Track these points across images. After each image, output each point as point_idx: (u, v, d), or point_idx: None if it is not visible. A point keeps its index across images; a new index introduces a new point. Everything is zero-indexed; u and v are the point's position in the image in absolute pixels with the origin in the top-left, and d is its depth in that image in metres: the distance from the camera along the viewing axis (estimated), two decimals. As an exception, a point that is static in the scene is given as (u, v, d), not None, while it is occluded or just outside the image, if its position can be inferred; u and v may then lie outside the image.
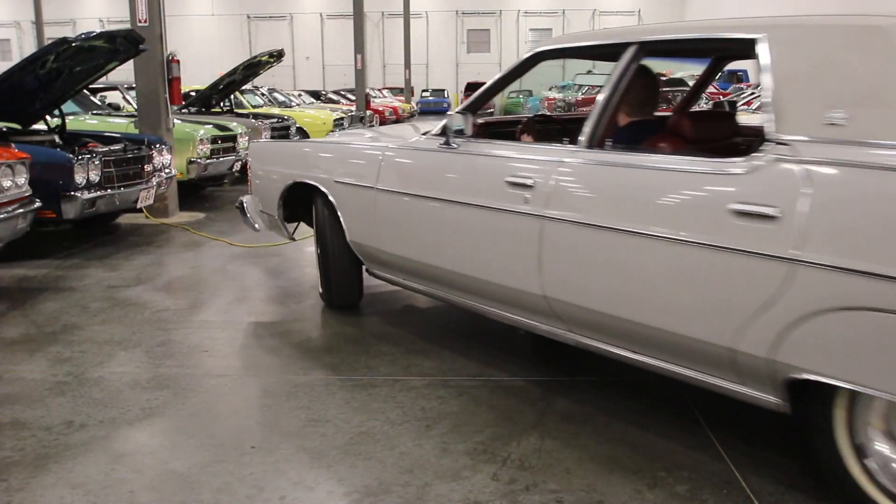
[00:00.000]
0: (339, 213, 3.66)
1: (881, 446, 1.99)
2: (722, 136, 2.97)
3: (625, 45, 2.64)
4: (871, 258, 1.81)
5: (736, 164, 2.15)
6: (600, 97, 2.68)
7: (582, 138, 2.64)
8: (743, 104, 12.17)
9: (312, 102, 19.61)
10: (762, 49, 2.18)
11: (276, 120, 10.60)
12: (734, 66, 26.09)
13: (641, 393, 2.92)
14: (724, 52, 2.34)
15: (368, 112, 17.25)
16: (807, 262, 1.93)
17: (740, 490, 2.22)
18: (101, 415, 2.77)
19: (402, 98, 28.71)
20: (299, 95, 19.85)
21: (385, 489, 2.24)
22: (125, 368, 3.23)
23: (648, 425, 2.64)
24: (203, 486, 2.26)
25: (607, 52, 2.85)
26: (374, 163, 3.42)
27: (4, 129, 5.89)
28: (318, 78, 37.29)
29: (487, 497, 2.20)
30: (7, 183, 4.30)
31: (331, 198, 3.68)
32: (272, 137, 10.04)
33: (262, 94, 14.74)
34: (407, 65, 29.07)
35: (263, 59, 9.88)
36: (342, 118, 13.74)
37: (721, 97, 15.42)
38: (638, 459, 2.40)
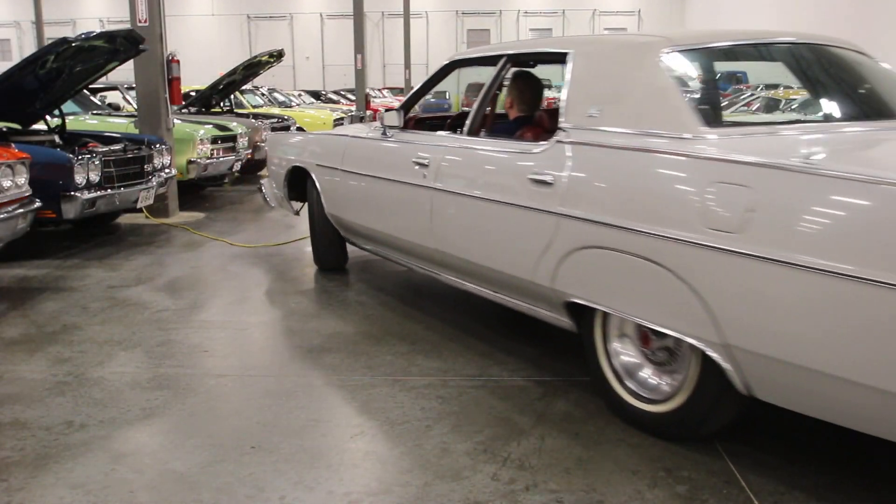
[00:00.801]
0: (319, 191, 4.53)
1: (617, 347, 2.68)
2: None
3: (500, 57, 3.40)
4: (603, 212, 2.48)
5: (537, 146, 2.88)
6: (480, 96, 3.46)
7: (464, 129, 3.40)
8: (743, 105, 12.16)
9: (312, 102, 19.63)
10: (568, 60, 2.90)
11: (275, 120, 10.61)
12: (734, 68, 26.12)
13: (641, 393, 2.92)
14: (560, 61, 2.95)
15: (368, 112, 17.25)
16: (566, 214, 2.62)
17: (740, 490, 2.22)
18: (101, 415, 2.77)
19: (403, 98, 28.64)
20: (299, 95, 19.88)
21: (385, 489, 2.24)
22: (125, 368, 3.23)
23: (648, 425, 2.64)
24: (203, 486, 2.26)
25: (493, 61, 3.49)
26: (340, 149, 4.29)
27: (4, 129, 5.89)
28: (318, 78, 37.28)
29: (487, 497, 2.20)
30: (7, 183, 4.30)
31: (315, 178, 4.56)
32: (272, 137, 10.04)
33: (262, 94, 14.74)
34: (407, 65, 29.07)
35: (263, 59, 9.88)
36: (342, 118, 13.74)
37: (721, 98, 15.39)
38: (638, 459, 2.40)
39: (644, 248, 2.33)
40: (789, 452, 2.45)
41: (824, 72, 3.06)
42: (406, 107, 3.93)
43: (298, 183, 4.87)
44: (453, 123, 4.51)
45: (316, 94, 23.71)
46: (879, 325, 1.78)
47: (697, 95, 2.79)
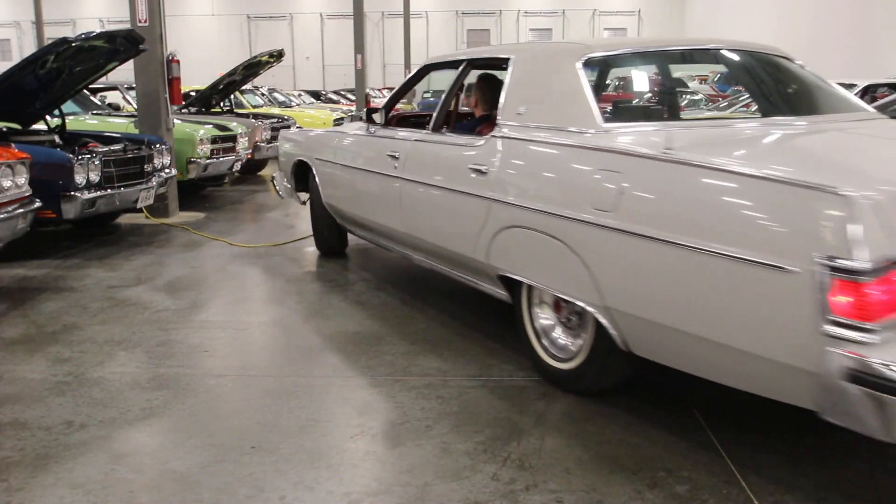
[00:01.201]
0: (318, 182, 4.98)
1: (538, 312, 3.08)
2: None
3: (462, 61, 3.83)
4: (521, 197, 2.90)
5: (479, 140, 3.29)
6: (443, 97, 3.93)
7: (430, 126, 3.81)
8: (742, 106, 12.15)
9: (312, 102, 19.62)
10: (509, 65, 3.32)
11: (275, 120, 10.60)
12: (647, 71, 26.04)
13: (641, 393, 2.92)
14: (505, 66, 3.37)
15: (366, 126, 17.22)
16: (495, 199, 3.04)
17: (740, 490, 2.22)
18: (101, 415, 2.77)
19: (404, 98, 28.63)
20: (299, 95, 19.87)
21: (385, 489, 2.24)
22: (125, 368, 3.23)
23: (648, 425, 2.64)
24: (203, 486, 2.26)
25: (457, 65, 3.89)
26: (333, 145, 4.78)
27: (4, 129, 5.89)
28: (318, 78, 37.24)
29: (487, 497, 2.20)
30: (7, 183, 4.30)
31: (314, 171, 5.02)
32: (272, 138, 10.05)
33: (262, 94, 14.74)
34: (407, 65, 29.04)
35: (263, 59, 9.88)
36: (342, 118, 13.73)
37: (721, 98, 15.42)
38: (638, 459, 2.40)
39: (549, 227, 2.74)
40: (789, 452, 2.45)
41: (739, 74, 3.67)
42: (388, 106, 4.37)
43: (303, 176, 5.31)
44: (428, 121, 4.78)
45: (316, 94, 23.69)
46: (718, 289, 2.10)
47: (606, 95, 3.49)
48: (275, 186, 5.78)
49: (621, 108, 3.46)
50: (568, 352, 2.93)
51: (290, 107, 14.84)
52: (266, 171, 11.01)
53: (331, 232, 5.16)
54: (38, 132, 6.10)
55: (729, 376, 2.24)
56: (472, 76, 4.05)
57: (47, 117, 6.25)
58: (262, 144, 9.73)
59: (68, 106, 6.69)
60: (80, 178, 5.22)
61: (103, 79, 7.13)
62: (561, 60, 3.12)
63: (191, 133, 7.47)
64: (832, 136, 2.82)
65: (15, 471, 2.36)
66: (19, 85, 5.44)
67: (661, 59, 3.77)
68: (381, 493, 2.22)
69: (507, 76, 3.31)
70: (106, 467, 2.38)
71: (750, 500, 2.17)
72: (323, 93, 25.77)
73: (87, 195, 5.24)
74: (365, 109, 4.61)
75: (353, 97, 22.89)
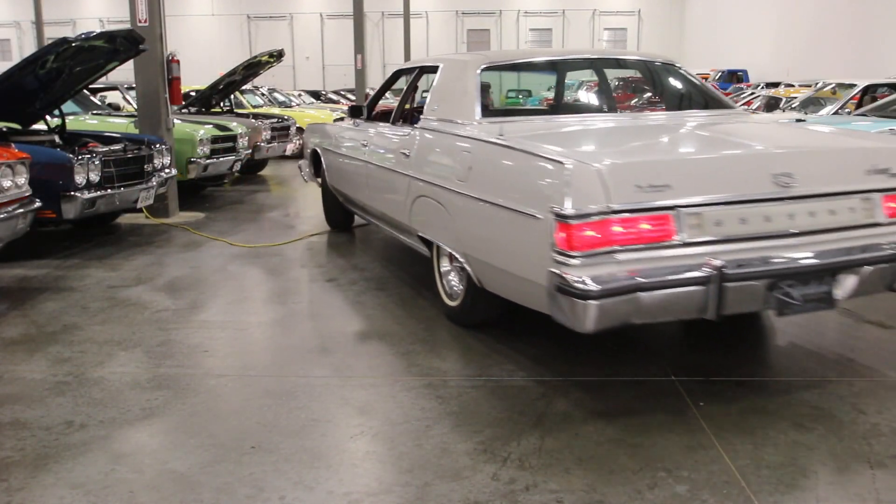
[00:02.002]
0: (324, 167, 5.99)
1: (444, 263, 3.86)
2: None
3: (416, 68, 4.70)
4: (422, 173, 3.79)
5: (408, 130, 4.16)
6: (401, 95, 4.84)
7: (391, 120, 4.68)
8: (743, 104, 12.16)
9: (312, 102, 19.61)
10: (437, 72, 4.17)
11: (276, 120, 10.60)
12: (735, 67, 26.11)
13: (641, 393, 2.92)
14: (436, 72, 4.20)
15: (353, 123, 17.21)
16: (412, 176, 3.91)
17: (740, 490, 2.22)
18: (101, 415, 2.77)
19: (399, 98, 28.55)
20: (299, 95, 19.85)
21: (385, 489, 2.24)
22: (125, 368, 3.23)
23: (648, 425, 2.64)
24: (203, 486, 2.26)
25: (413, 71, 4.78)
26: (334, 135, 5.71)
27: (4, 129, 5.89)
28: (318, 78, 37.23)
29: (487, 497, 2.20)
30: (7, 183, 4.29)
31: (322, 158, 6.01)
32: (272, 138, 10.06)
33: (262, 94, 14.73)
34: (407, 65, 29.02)
35: (263, 59, 9.87)
36: (342, 118, 13.71)
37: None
38: (638, 459, 2.40)
39: (437, 195, 3.59)
40: (789, 452, 2.45)
41: (597, 77, 4.64)
42: (370, 104, 5.26)
43: (318, 162, 6.19)
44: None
45: (316, 94, 23.67)
46: (507, 232, 2.95)
47: (491, 95, 4.43)
48: (301, 171, 6.74)
49: (495, 107, 4.53)
50: (456, 293, 3.72)
51: (290, 107, 14.83)
52: (266, 171, 11.01)
53: (338, 211, 6.11)
54: (38, 132, 6.09)
55: (520, 297, 3.03)
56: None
57: (47, 117, 6.25)
58: (262, 144, 9.72)
59: (68, 106, 6.69)
60: (80, 178, 5.21)
61: (103, 79, 7.13)
62: (466, 68, 3.93)
63: (191, 133, 7.47)
64: (636, 126, 3.77)
65: (15, 471, 2.36)
66: (19, 85, 5.43)
67: (547, 67, 4.97)
68: (381, 493, 2.22)
69: (434, 80, 4.19)
70: (106, 467, 2.38)
71: (750, 500, 2.17)
72: (323, 93, 25.76)
73: (87, 195, 5.23)
74: (348, 107, 5.52)
75: (353, 97, 22.88)
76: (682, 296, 2.57)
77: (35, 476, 2.33)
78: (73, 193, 5.16)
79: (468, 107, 3.71)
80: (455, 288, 3.73)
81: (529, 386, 3.00)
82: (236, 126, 8.57)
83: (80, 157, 5.23)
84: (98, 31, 5.35)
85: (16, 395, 2.94)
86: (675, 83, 4.46)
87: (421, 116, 4.07)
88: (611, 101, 4.76)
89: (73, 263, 5.17)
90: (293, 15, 38.15)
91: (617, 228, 2.56)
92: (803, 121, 7.57)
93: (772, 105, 10.94)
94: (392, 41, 36.47)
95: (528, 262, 2.78)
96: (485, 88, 4.01)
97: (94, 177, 5.38)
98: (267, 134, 9.88)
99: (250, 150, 8.93)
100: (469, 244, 3.30)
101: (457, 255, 3.45)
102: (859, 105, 8.87)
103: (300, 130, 12.07)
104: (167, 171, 6.45)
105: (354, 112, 5.30)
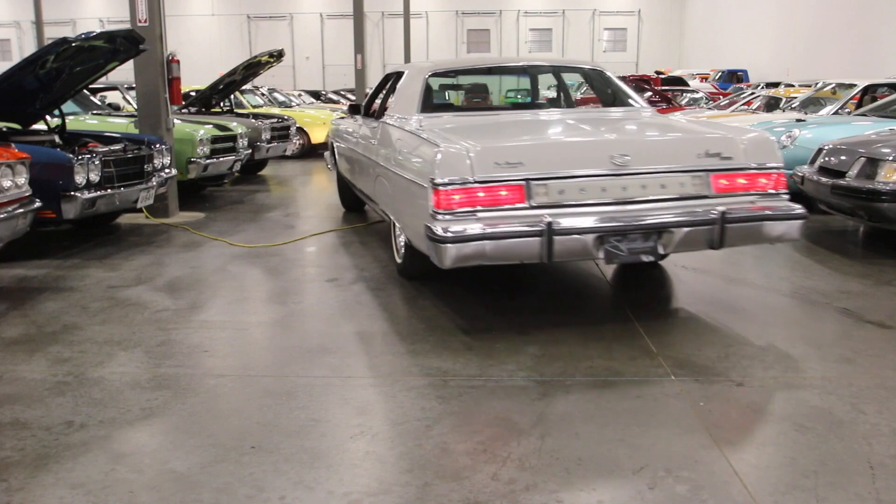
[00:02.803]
0: (336, 156, 6.87)
1: (397, 230, 4.62)
2: None
3: (396, 73, 5.41)
4: (380, 156, 4.60)
5: (376, 123, 5.01)
6: (383, 96, 5.67)
7: (375, 115, 5.44)
8: (743, 104, 12.16)
9: (312, 102, 19.61)
10: (402, 76, 5.04)
11: (276, 120, 10.60)
12: (735, 67, 26.09)
13: (641, 393, 2.92)
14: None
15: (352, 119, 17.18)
16: (374, 160, 4.73)
17: (740, 490, 2.22)
18: (101, 415, 2.77)
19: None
20: (299, 95, 19.84)
21: (385, 489, 2.24)
22: (125, 368, 3.23)
23: (648, 425, 2.64)
24: (203, 486, 2.26)
25: (392, 76, 5.52)
26: (340, 129, 6.55)
27: (4, 129, 5.89)
28: (318, 78, 37.20)
29: (487, 497, 2.20)
30: (7, 183, 4.29)
31: (334, 148, 6.93)
32: (272, 138, 10.06)
33: (262, 94, 14.73)
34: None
35: (263, 59, 9.87)
36: (342, 118, 13.71)
37: (722, 97, 15.42)
38: (638, 459, 2.40)
39: (385, 174, 4.42)
40: (789, 452, 2.45)
41: (525, 81, 6.00)
42: (367, 103, 5.95)
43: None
44: None
45: (316, 94, 23.67)
46: (409, 197, 3.86)
47: (434, 95, 5.61)
48: (325, 160, 7.79)
49: (435, 104, 5.21)
50: (402, 252, 4.54)
51: (290, 107, 14.83)
52: (266, 171, 11.00)
53: (347, 191, 6.98)
54: (38, 132, 6.09)
55: (423, 248, 3.65)
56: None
57: (47, 117, 6.24)
58: (262, 144, 9.72)
59: (68, 106, 6.68)
60: (80, 178, 5.21)
61: (103, 79, 7.12)
62: (417, 73, 4.86)
63: (191, 133, 7.47)
64: (533, 119, 4.68)
65: (15, 471, 2.36)
66: (19, 85, 5.43)
67: (485, 73, 6.43)
68: (381, 493, 2.22)
69: (399, 82, 5.04)
70: (106, 467, 2.38)
71: (750, 500, 2.17)
72: (323, 93, 25.75)
73: (87, 195, 5.23)
74: (348, 105, 6.34)
75: (353, 97, 22.87)
76: (521, 244, 3.36)
77: (35, 476, 2.33)
78: (73, 193, 5.15)
79: (413, 104, 4.60)
80: (401, 249, 4.58)
81: (529, 386, 3.00)
82: (236, 126, 8.57)
83: (80, 157, 5.23)
84: (98, 31, 5.35)
85: (16, 395, 2.94)
86: (599, 85, 5.41)
87: (387, 112, 4.97)
88: (533, 99, 5.86)
89: (73, 263, 5.17)
90: (293, 15, 38.13)
91: (480, 194, 3.41)
92: (803, 121, 7.57)
93: (771, 105, 10.93)
94: (392, 41, 36.46)
95: (421, 219, 3.57)
96: (430, 90, 5.00)
97: (94, 177, 5.38)
98: (267, 134, 9.88)
99: (250, 150, 8.93)
100: (399, 211, 4.19)
101: (395, 221, 4.38)
102: (859, 105, 8.87)
103: (300, 130, 12.11)
104: (167, 171, 6.45)
105: (353, 110, 6.09)
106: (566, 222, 3.39)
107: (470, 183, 3.39)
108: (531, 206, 3.42)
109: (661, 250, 3.52)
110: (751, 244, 3.91)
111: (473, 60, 7.18)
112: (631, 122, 4.44)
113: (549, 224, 3.34)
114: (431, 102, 5.09)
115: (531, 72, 5.69)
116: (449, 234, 3.31)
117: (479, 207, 3.39)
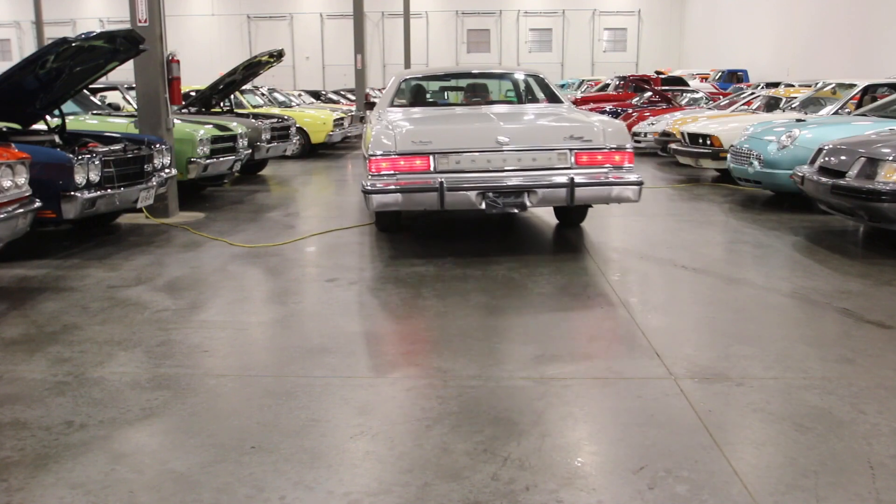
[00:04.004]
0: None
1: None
2: None
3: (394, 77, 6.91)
4: (364, 139, 6.03)
5: (372, 113, 6.47)
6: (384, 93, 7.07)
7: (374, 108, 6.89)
8: (743, 104, 12.15)
9: (312, 102, 19.59)
10: (392, 79, 6.74)
11: (276, 120, 10.60)
12: (735, 67, 26.09)
13: (641, 393, 2.92)
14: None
15: (368, 112, 17.21)
16: (366, 144, 5.50)
17: (740, 490, 2.22)
18: (101, 415, 2.77)
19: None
20: (299, 95, 19.83)
21: (385, 489, 2.24)
22: (125, 368, 3.23)
23: (648, 425, 2.64)
24: (203, 486, 2.26)
25: (394, 78, 6.98)
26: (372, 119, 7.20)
27: (4, 129, 5.89)
28: (318, 78, 37.21)
29: (487, 497, 2.20)
30: (7, 183, 4.29)
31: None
32: (272, 137, 10.06)
33: (262, 94, 14.72)
34: (407, 65, 29.01)
35: (263, 59, 9.87)
36: (342, 118, 13.73)
37: (722, 97, 15.42)
38: (638, 459, 2.40)
39: (363, 148, 5.63)
40: (789, 452, 2.45)
41: (475, 84, 7.05)
42: (389, 101, 6.66)
43: None
44: None
45: (316, 94, 23.64)
46: (365, 168, 5.21)
47: (403, 95, 6.73)
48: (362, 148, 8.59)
49: (401, 102, 6.50)
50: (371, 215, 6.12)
51: (290, 107, 14.82)
52: (266, 171, 11.00)
53: None
54: (38, 132, 6.09)
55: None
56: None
57: (47, 117, 6.25)
58: (262, 144, 9.72)
59: (68, 106, 6.68)
60: (80, 178, 5.21)
61: (103, 79, 7.12)
62: (397, 78, 6.62)
63: (191, 133, 7.47)
64: (462, 112, 6.10)
65: (15, 471, 2.36)
66: (19, 85, 5.43)
67: (450, 77, 7.74)
68: (381, 493, 2.22)
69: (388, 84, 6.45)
70: (106, 467, 2.38)
71: (750, 500, 2.17)
72: (323, 93, 25.72)
73: (87, 195, 5.23)
74: (365, 102, 8.29)
75: (353, 97, 22.88)
76: (424, 196, 4.87)
77: (35, 476, 2.33)
78: (73, 193, 5.16)
79: (386, 100, 6.37)
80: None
81: (529, 386, 3.00)
82: (236, 126, 8.57)
83: (80, 157, 5.23)
84: (98, 31, 5.35)
85: (16, 395, 2.94)
86: (532, 86, 7.03)
87: (376, 106, 6.40)
88: (478, 98, 6.84)
89: (73, 263, 5.17)
90: (293, 15, 38.13)
91: (401, 163, 4.93)
92: (803, 121, 7.57)
93: (771, 105, 10.92)
94: (392, 41, 36.46)
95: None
96: (400, 90, 6.61)
97: (94, 177, 5.38)
98: (267, 134, 9.88)
99: (250, 150, 8.93)
100: (363, 175, 5.29)
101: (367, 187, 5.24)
102: (859, 105, 8.87)
103: (300, 130, 12.12)
104: (167, 171, 6.45)
105: (369, 105, 7.88)
106: (456, 182, 4.88)
107: (393, 154, 4.93)
108: (436, 170, 4.94)
109: (528, 204, 4.94)
110: (598, 203, 5.23)
111: (445, 69, 9.10)
112: (532, 115, 5.93)
113: (442, 183, 4.84)
114: (398, 99, 6.52)
115: (480, 77, 7.27)
116: (372, 189, 4.87)
117: (399, 172, 4.93)
